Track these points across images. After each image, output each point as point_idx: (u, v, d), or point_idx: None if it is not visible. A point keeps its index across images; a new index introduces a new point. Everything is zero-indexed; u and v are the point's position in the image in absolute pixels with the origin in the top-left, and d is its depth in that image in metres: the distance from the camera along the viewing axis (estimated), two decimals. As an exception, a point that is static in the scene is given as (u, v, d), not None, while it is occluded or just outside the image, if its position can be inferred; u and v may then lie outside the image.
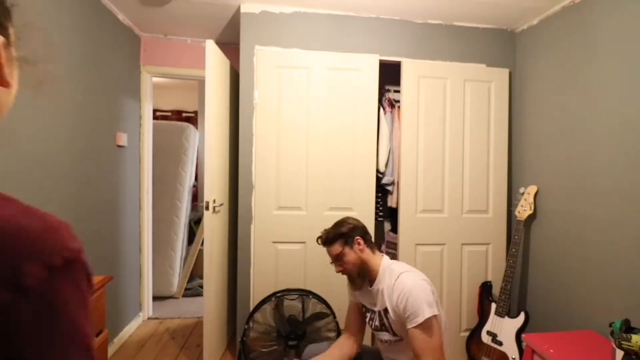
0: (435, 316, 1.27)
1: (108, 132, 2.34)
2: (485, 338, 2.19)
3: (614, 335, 1.39)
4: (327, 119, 2.31)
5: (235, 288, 2.44)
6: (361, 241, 1.46)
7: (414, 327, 1.26)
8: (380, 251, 1.55)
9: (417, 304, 1.26)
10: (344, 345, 1.53)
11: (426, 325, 1.25)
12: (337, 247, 1.45)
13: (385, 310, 1.39)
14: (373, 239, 2.34)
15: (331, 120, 2.32)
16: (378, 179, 2.48)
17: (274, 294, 2.18)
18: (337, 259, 1.46)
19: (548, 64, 2.26)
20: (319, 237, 1.51)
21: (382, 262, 1.45)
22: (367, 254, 1.46)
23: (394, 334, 1.40)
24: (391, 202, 2.63)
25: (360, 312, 1.56)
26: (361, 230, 1.50)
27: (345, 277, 1.51)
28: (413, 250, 2.40)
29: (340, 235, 1.46)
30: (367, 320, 1.52)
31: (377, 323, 1.45)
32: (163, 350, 2.43)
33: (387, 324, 1.41)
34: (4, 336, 0.31)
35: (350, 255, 1.44)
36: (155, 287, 3.15)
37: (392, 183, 2.58)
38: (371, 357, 1.58)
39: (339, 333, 2.19)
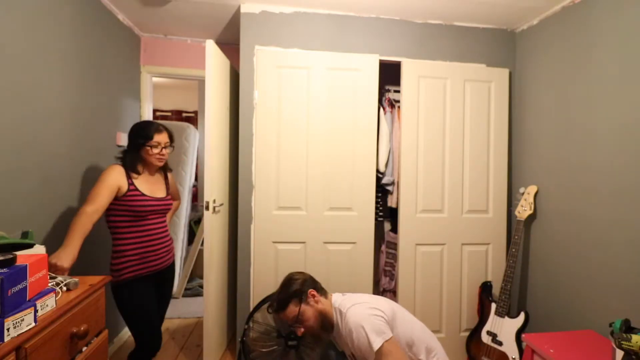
0: (387, 340, 1.29)
1: (108, 132, 2.34)
2: (485, 338, 2.19)
3: (614, 335, 1.39)
4: (327, 119, 2.32)
5: (235, 288, 2.44)
6: (315, 292, 1.41)
7: (376, 357, 1.29)
8: (325, 294, 1.50)
9: (365, 338, 1.28)
10: None
11: (383, 352, 1.28)
12: (292, 309, 1.40)
13: (352, 354, 1.38)
14: (373, 240, 2.37)
15: (331, 120, 2.32)
16: (378, 179, 2.48)
17: (274, 294, 2.18)
18: (297, 321, 1.40)
19: (548, 64, 2.26)
20: (269, 306, 1.47)
21: (333, 304, 1.42)
22: (323, 303, 1.42)
23: None
24: (391, 202, 2.63)
25: None
26: (310, 281, 1.46)
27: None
28: (413, 250, 2.40)
29: (292, 294, 1.40)
30: None
31: None
32: (163, 350, 2.43)
33: None
34: None
35: (309, 311, 1.40)
36: (155, 287, 3.15)
37: (392, 183, 2.58)
38: None
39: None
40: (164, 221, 1.84)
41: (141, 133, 1.72)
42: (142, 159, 1.74)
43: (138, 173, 1.72)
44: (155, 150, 1.71)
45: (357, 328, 1.29)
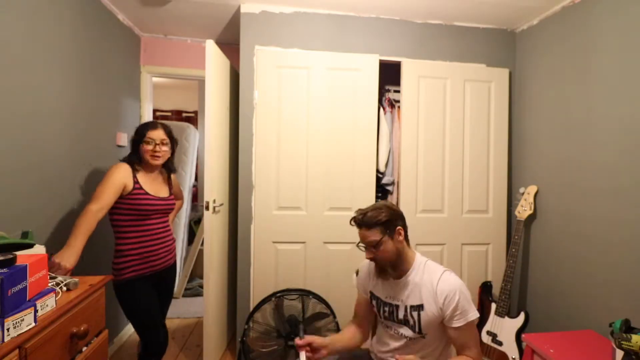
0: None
1: (108, 132, 2.34)
2: (485, 338, 2.19)
3: (614, 335, 1.39)
4: (327, 119, 2.31)
5: (235, 288, 2.44)
6: (402, 232, 1.36)
7: (463, 324, 1.28)
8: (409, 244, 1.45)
9: (466, 303, 1.29)
10: (355, 332, 1.51)
11: (473, 323, 1.31)
12: (375, 234, 1.32)
13: (418, 306, 1.33)
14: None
15: (331, 120, 2.32)
16: (378, 179, 2.48)
17: (274, 294, 2.18)
18: (373, 246, 1.33)
19: (548, 63, 2.26)
20: (354, 218, 1.37)
21: (417, 257, 1.40)
22: (404, 246, 1.37)
23: (418, 331, 1.34)
24: (391, 202, 2.63)
25: (370, 304, 1.50)
26: (403, 219, 1.39)
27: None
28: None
29: (381, 222, 1.32)
30: (380, 312, 1.45)
31: (396, 316, 1.38)
32: (163, 350, 2.43)
33: (412, 320, 1.34)
34: None
35: (389, 244, 1.33)
36: (155, 287, 3.15)
37: (392, 183, 2.58)
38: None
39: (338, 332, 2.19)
40: (167, 221, 1.84)
41: (137, 131, 1.75)
42: (140, 157, 1.74)
43: (137, 171, 1.72)
44: (149, 147, 1.70)
45: (461, 291, 1.28)
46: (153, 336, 1.74)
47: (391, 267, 1.36)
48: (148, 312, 1.72)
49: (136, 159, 1.73)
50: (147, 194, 1.69)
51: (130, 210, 1.66)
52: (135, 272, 1.68)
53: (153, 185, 1.76)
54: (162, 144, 1.74)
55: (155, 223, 1.74)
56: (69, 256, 1.41)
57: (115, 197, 1.61)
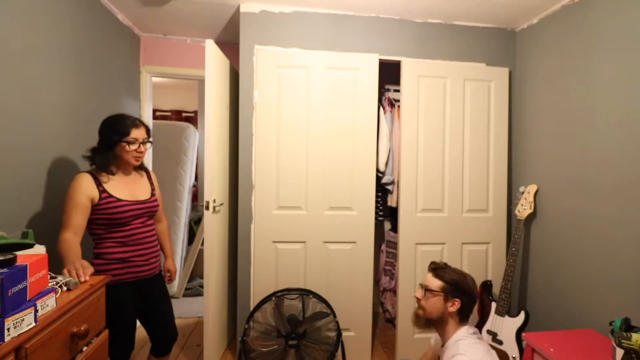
0: None
1: (108, 132, 2.34)
2: (486, 337, 2.19)
3: (614, 334, 1.39)
4: (327, 118, 2.31)
5: (236, 288, 2.44)
6: (457, 305, 1.34)
7: None
8: (463, 323, 1.39)
9: None
10: None
11: None
12: (436, 283, 1.36)
13: None
14: (373, 240, 2.37)
15: (331, 120, 2.32)
16: (378, 179, 2.49)
17: (274, 293, 2.19)
18: (426, 290, 1.38)
19: (548, 62, 2.26)
20: (434, 262, 1.44)
21: (457, 334, 1.35)
22: (451, 318, 1.35)
23: None
24: (391, 201, 2.63)
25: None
26: (470, 299, 1.37)
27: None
28: (413, 249, 2.40)
29: (448, 280, 1.34)
30: None
31: None
32: (163, 350, 2.43)
33: None
34: None
35: (438, 302, 1.34)
36: (155, 287, 3.14)
37: (392, 182, 2.58)
38: None
39: (339, 332, 2.19)
40: (151, 225, 1.69)
41: (116, 128, 1.56)
42: (116, 157, 1.58)
43: (112, 174, 1.57)
44: (133, 147, 1.56)
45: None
46: (118, 347, 1.57)
47: (425, 323, 1.38)
48: (119, 323, 1.56)
49: (105, 163, 1.56)
50: (118, 200, 1.54)
51: (103, 219, 1.53)
52: (116, 276, 1.55)
53: (127, 189, 1.61)
54: (144, 142, 1.62)
55: (137, 227, 1.61)
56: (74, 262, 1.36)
57: (86, 215, 1.49)
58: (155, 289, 1.72)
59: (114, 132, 1.55)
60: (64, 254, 1.43)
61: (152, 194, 1.71)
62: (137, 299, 1.65)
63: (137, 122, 1.61)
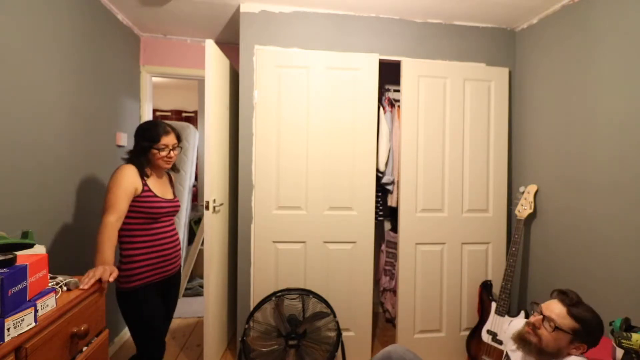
0: None
1: (108, 132, 2.34)
2: (486, 337, 2.19)
3: (615, 333, 1.39)
4: (327, 118, 2.31)
5: (236, 288, 2.44)
6: (583, 350, 1.19)
7: None
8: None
9: None
10: None
11: None
12: (568, 324, 1.17)
13: None
14: (373, 240, 2.37)
15: (331, 120, 2.32)
16: (378, 179, 2.49)
17: (274, 293, 2.19)
18: (548, 322, 1.19)
19: (548, 62, 2.26)
20: (564, 293, 1.24)
21: None
22: (568, 356, 1.21)
23: None
24: (391, 201, 2.63)
25: None
26: (595, 343, 1.21)
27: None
28: (413, 249, 2.40)
29: (583, 325, 1.16)
30: None
31: None
32: (163, 350, 2.43)
33: None
34: None
35: (561, 342, 1.18)
36: (155, 287, 3.14)
37: (392, 182, 2.58)
38: None
39: (339, 332, 2.19)
40: (173, 223, 1.78)
41: (147, 135, 1.65)
42: (150, 161, 1.68)
43: (147, 176, 1.66)
44: (163, 153, 1.66)
45: None
46: (152, 349, 1.65)
47: (536, 353, 1.24)
48: (153, 324, 1.64)
49: (145, 163, 1.66)
50: (156, 196, 1.65)
51: (139, 213, 1.60)
52: (144, 279, 1.61)
53: (160, 188, 1.72)
54: (174, 148, 1.71)
55: (164, 226, 1.70)
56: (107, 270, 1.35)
57: (129, 203, 1.56)
58: (170, 291, 1.80)
59: (146, 138, 1.65)
60: (103, 240, 1.45)
61: (175, 195, 1.82)
62: (161, 297, 1.72)
63: (168, 129, 1.69)
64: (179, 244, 1.80)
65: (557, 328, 1.18)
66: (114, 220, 1.49)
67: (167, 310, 1.79)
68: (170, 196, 1.76)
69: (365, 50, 2.37)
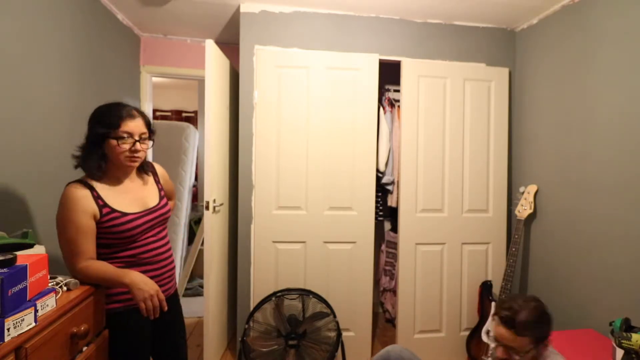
0: None
1: (108, 132, 2.34)
2: (486, 337, 2.19)
3: (614, 334, 1.39)
4: (327, 118, 2.31)
5: (236, 288, 2.44)
6: (550, 338, 1.19)
7: None
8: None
9: None
10: None
11: None
12: (523, 343, 1.15)
13: None
14: (373, 240, 2.37)
15: (331, 120, 2.32)
16: (378, 179, 2.48)
17: (274, 293, 2.19)
18: (512, 350, 1.17)
19: (548, 63, 2.26)
20: (505, 314, 1.18)
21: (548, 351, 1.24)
22: (544, 356, 1.22)
23: None
24: (391, 201, 2.64)
25: None
26: (552, 323, 1.22)
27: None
28: (413, 249, 2.40)
29: (534, 332, 1.16)
30: None
31: None
32: (163, 350, 2.43)
33: None
34: None
35: (533, 351, 1.17)
36: (155, 287, 3.14)
37: (392, 182, 2.58)
38: None
39: (339, 332, 2.19)
40: (165, 235, 1.39)
41: (104, 120, 1.20)
42: (107, 158, 1.23)
43: (96, 179, 1.23)
44: (125, 146, 1.20)
45: None
46: None
47: None
48: (135, 355, 1.30)
49: (95, 167, 1.22)
50: (123, 215, 1.23)
51: (107, 239, 1.23)
52: (124, 302, 1.26)
53: (132, 198, 1.29)
54: (142, 139, 1.25)
55: (150, 242, 1.31)
56: (141, 283, 1.16)
57: (94, 237, 1.20)
58: (168, 316, 1.35)
59: (101, 124, 1.19)
60: (99, 276, 1.17)
61: (162, 197, 1.39)
62: (150, 327, 1.34)
63: (134, 112, 1.24)
64: (173, 261, 1.41)
65: (519, 344, 1.17)
66: (83, 266, 1.18)
67: (174, 348, 1.42)
68: (152, 203, 1.33)
69: (365, 50, 2.37)
